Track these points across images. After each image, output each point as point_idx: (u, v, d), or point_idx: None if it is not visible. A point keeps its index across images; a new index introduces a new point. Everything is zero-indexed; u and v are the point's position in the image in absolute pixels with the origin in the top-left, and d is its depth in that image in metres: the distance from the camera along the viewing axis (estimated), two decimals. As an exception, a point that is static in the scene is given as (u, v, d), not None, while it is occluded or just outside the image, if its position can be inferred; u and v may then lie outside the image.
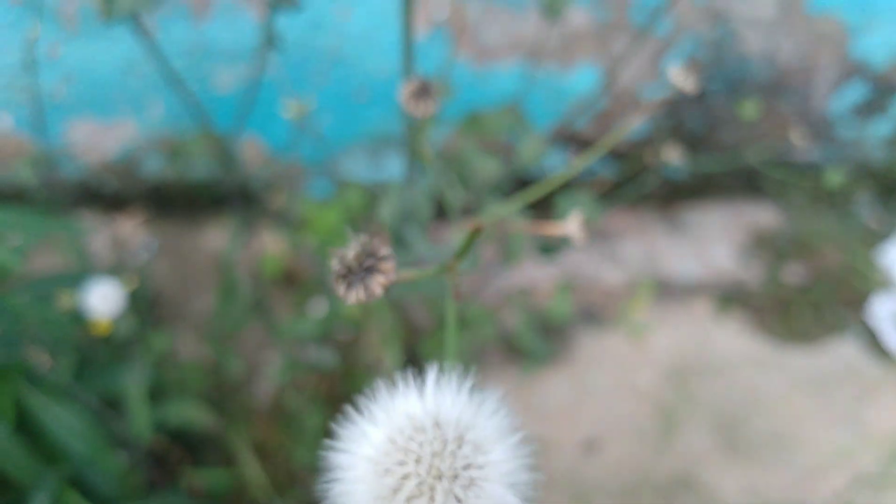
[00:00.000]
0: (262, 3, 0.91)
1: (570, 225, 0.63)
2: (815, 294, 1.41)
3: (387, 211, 0.59)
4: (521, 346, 1.21)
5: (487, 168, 0.78)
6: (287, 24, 0.97)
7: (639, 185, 1.30)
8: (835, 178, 1.14)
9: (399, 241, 0.59)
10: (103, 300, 0.70)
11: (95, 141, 1.26)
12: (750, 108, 0.82)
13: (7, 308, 0.58)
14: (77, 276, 0.70)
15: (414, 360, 0.97)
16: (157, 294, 1.33)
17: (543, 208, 1.02)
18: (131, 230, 1.38)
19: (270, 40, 0.75)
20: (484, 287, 1.32)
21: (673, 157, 1.08)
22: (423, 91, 0.52)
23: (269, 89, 0.98)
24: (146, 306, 1.26)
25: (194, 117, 0.87)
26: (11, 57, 1.13)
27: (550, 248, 0.77)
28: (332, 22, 1.13)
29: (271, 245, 1.11)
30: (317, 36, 1.16)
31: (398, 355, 0.66)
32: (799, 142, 1.30)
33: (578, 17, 1.18)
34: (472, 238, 0.34)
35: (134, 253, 1.36)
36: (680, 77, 0.61)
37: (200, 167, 1.29)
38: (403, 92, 0.53)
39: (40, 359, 0.65)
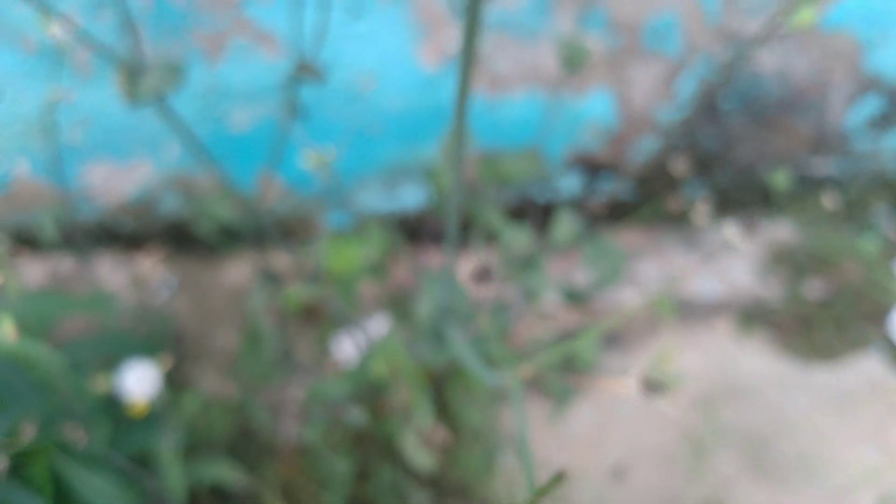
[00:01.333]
0: (283, 82, 0.92)
1: (628, 382, 0.60)
2: (836, 309, 1.40)
3: (426, 308, 0.58)
4: (548, 390, 1.21)
5: (518, 241, 0.78)
6: (305, 57, 0.97)
7: (655, 205, 1.30)
8: (869, 247, 1.14)
9: (436, 337, 0.59)
10: (139, 383, 0.70)
11: (112, 183, 1.27)
12: (781, 179, 0.81)
13: (44, 384, 0.58)
14: (108, 341, 0.70)
15: (440, 403, 0.97)
16: (178, 331, 1.33)
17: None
18: (150, 268, 1.38)
19: (293, 110, 0.75)
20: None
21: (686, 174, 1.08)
22: (484, 274, 0.52)
23: (282, 124, 0.99)
24: (171, 344, 1.27)
25: (204, 164, 0.87)
26: (28, 105, 1.14)
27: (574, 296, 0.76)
28: (346, 60, 1.13)
29: (292, 285, 1.11)
30: (331, 73, 1.16)
31: (427, 407, 0.66)
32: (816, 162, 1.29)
33: (590, 44, 1.18)
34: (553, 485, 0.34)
35: (154, 290, 1.37)
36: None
37: (218, 209, 1.30)
38: (466, 274, 0.53)
39: (75, 433, 0.65)
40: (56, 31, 0.66)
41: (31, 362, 0.62)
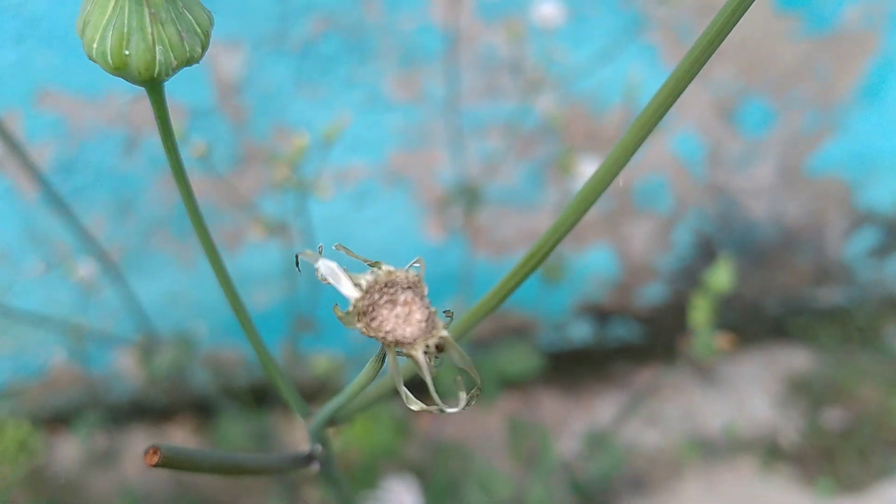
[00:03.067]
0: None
1: None
2: (857, 438, 1.40)
3: None
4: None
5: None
6: (314, 248, 1.04)
7: (667, 345, 1.33)
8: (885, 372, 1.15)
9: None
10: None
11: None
12: (721, 278, 0.84)
13: None
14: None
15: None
16: (211, 500, 1.37)
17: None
18: (182, 439, 1.43)
19: (306, 325, 0.81)
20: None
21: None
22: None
23: (299, 302, 1.05)
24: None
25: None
26: (62, 301, 1.22)
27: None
28: (359, 240, 1.20)
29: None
30: (345, 254, 1.23)
31: None
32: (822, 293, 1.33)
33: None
34: None
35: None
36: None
37: (243, 377, 1.36)
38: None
39: None
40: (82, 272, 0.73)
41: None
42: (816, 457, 1.39)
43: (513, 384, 1.34)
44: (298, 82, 1.04)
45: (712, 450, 1.40)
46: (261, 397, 1.36)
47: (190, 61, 0.24)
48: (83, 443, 1.40)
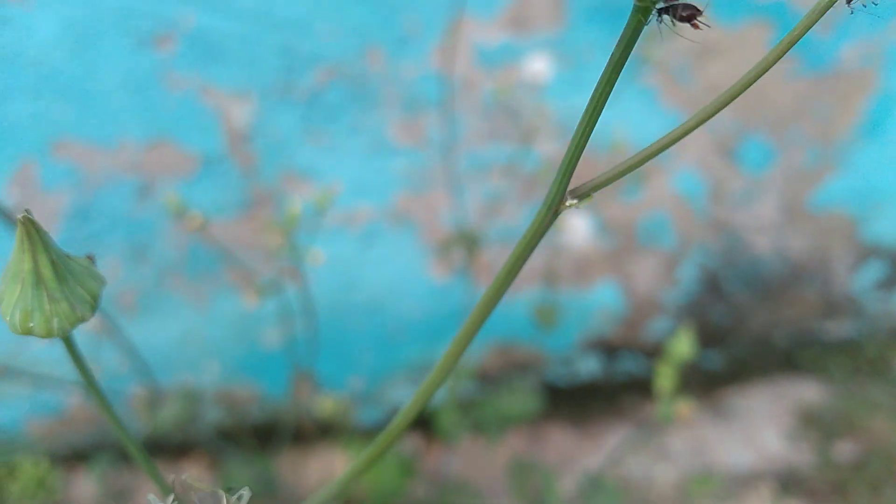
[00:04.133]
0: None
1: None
2: (869, 471, 1.39)
3: None
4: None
5: None
6: (324, 288, 1.07)
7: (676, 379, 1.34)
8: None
9: None
10: None
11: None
12: (683, 347, 0.85)
13: None
14: None
15: None
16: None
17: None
18: (197, 475, 1.45)
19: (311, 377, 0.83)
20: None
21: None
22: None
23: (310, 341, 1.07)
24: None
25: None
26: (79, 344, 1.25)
27: None
28: (366, 280, 1.23)
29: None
30: (353, 294, 1.26)
31: None
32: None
33: (589, 246, 1.26)
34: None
35: (202, 497, 1.43)
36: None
37: (257, 414, 1.38)
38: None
39: None
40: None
41: None
42: (828, 490, 1.38)
43: (516, 423, 1.35)
44: (305, 130, 1.07)
45: (723, 484, 1.40)
46: (271, 436, 1.38)
47: (82, 321, 0.31)
48: (99, 480, 1.43)
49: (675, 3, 0.23)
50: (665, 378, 0.82)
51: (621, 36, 0.24)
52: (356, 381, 1.38)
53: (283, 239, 0.65)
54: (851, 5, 0.24)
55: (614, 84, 0.25)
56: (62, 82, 1.00)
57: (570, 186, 0.28)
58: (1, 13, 0.93)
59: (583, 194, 0.28)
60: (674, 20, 0.23)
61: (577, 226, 1.14)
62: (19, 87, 0.99)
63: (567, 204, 0.28)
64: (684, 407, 0.84)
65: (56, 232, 1.12)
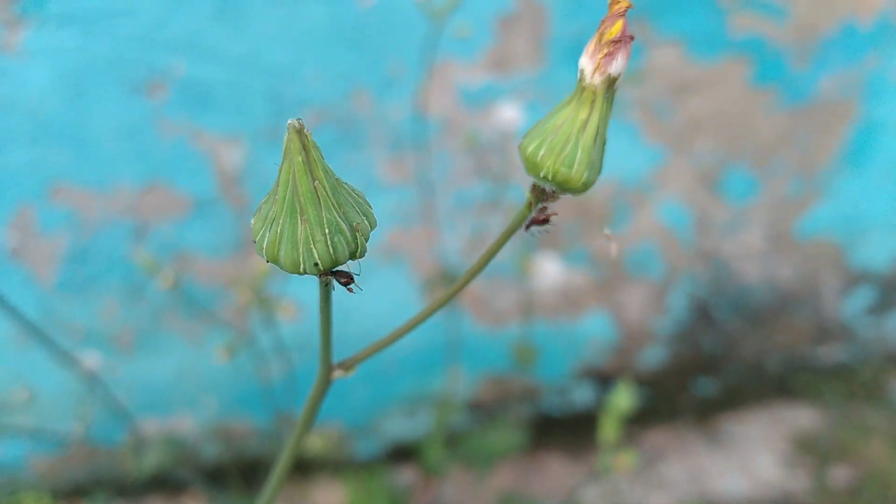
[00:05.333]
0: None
1: None
2: (865, 496, 1.39)
3: None
4: None
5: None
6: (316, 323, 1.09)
7: (670, 406, 1.35)
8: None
9: None
10: None
11: (158, 437, 1.38)
12: (623, 401, 0.87)
13: None
14: None
15: None
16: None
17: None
18: (195, 509, 1.47)
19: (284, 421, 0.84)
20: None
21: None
22: None
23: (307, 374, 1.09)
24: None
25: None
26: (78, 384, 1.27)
27: None
28: (360, 312, 1.25)
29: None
30: (347, 325, 1.28)
31: None
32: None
33: (579, 278, 1.28)
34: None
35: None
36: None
37: (255, 447, 1.40)
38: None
39: None
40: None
41: None
42: (824, 517, 1.39)
43: (502, 458, 1.36)
44: (295, 170, 1.09)
45: (719, 511, 1.41)
46: (267, 469, 1.40)
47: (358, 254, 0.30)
48: (100, 515, 1.44)
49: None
50: (608, 430, 0.84)
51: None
52: (350, 414, 1.40)
53: (251, 294, 0.67)
54: (529, 231, 0.33)
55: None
56: (58, 130, 1.03)
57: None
58: (-2, 66, 0.96)
59: (349, 365, 0.37)
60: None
61: (547, 269, 1.16)
62: (16, 135, 1.02)
63: (335, 375, 0.35)
64: (625, 458, 0.85)
65: (55, 274, 1.14)
